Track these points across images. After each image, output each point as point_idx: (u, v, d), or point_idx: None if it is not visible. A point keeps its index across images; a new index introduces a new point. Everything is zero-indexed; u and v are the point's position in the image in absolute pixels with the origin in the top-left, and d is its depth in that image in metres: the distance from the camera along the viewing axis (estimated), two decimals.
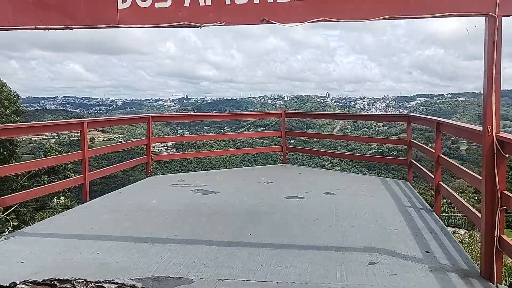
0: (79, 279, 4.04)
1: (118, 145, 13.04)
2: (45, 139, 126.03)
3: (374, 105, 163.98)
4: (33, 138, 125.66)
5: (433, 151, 6.67)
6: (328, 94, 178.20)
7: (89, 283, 4.00)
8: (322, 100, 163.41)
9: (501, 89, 4.13)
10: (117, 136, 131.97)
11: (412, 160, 8.31)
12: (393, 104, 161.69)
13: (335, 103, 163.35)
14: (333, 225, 5.62)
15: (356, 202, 6.74)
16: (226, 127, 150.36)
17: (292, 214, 6.09)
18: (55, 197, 19.88)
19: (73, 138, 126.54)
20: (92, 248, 4.79)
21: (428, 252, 4.65)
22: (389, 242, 4.95)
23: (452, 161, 6.24)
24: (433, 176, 6.59)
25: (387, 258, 4.46)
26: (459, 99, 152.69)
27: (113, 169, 8.55)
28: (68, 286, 4.05)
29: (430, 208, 6.47)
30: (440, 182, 6.43)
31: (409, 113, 8.12)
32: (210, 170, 11.81)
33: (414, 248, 4.75)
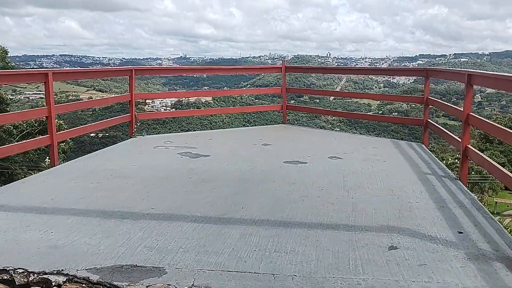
0: (19, 268, 3.15)
1: (94, 101, 11.79)
2: (42, 98, 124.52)
3: (376, 65, 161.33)
4: (30, 98, 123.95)
5: (461, 109, 5.66)
6: (329, 54, 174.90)
7: (31, 274, 3.10)
8: (323, 60, 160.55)
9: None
10: (114, 95, 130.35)
11: (429, 120, 7.33)
12: (395, 64, 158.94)
13: (336, 63, 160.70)
14: (341, 196, 4.69)
15: (367, 169, 5.81)
16: (225, 87, 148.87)
17: (293, 183, 5.16)
18: (47, 157, 19.09)
19: (71, 98, 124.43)
20: (46, 225, 3.88)
21: (461, 232, 3.74)
22: (411, 219, 4.03)
23: (487, 120, 5.21)
24: (459, 139, 5.63)
25: (411, 240, 3.55)
26: (462, 59, 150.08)
27: (89, 128, 7.49)
28: (5, 277, 3.16)
29: (454, 176, 5.54)
30: (469, 146, 5.46)
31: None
32: (207, 130, 10.74)
33: (443, 227, 3.84)
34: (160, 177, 5.43)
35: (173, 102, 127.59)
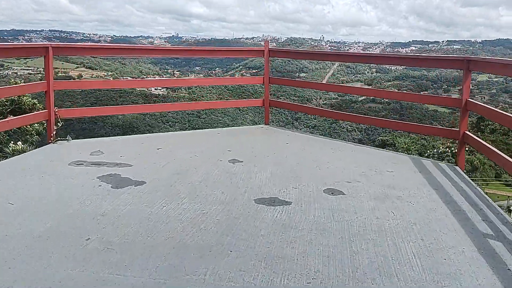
0: None
1: None
2: (30, 73, 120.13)
3: (369, 50, 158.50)
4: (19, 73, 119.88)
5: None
6: (323, 37, 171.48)
7: None
8: (316, 43, 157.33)
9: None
10: (105, 73, 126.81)
11: (468, 132, 5.05)
12: (387, 49, 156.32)
13: (329, 47, 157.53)
14: None
15: (386, 219, 3.55)
16: (218, 68, 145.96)
17: (263, 257, 2.88)
18: (11, 141, 16.63)
19: (60, 75, 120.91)
20: None
21: None
22: None
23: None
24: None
25: None
26: (455, 47, 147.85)
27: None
28: None
29: None
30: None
31: (467, 55, 4.81)
32: (163, 132, 7.66)
33: None
34: (38, 235, 3.12)
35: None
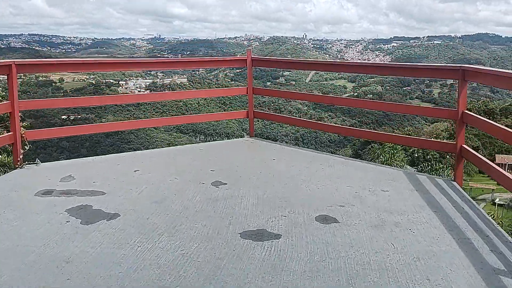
0: None
1: None
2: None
3: (352, 47, 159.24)
4: None
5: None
6: (305, 35, 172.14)
7: None
8: (299, 42, 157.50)
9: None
10: (87, 76, 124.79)
11: (465, 146, 4.73)
12: (370, 46, 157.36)
13: (312, 45, 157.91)
14: None
15: (386, 255, 3.18)
16: (201, 69, 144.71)
17: None
18: None
19: (41, 79, 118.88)
20: None
21: None
22: None
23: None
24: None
25: None
26: (435, 42, 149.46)
27: None
28: None
29: None
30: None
31: (463, 65, 4.48)
32: (142, 150, 6.78)
33: None
34: None
35: (148, 83, 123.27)
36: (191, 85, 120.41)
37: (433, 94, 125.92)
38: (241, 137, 7.29)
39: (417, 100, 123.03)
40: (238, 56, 5.90)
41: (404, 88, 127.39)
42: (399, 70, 5.50)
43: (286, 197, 4.20)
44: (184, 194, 4.24)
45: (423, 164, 24.79)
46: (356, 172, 4.97)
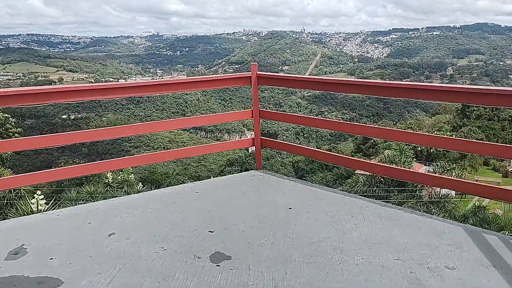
0: None
1: None
2: (10, 79, 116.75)
3: (350, 40, 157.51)
4: None
5: None
6: (304, 29, 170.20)
7: None
8: (297, 36, 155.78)
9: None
10: (86, 76, 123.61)
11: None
12: (369, 39, 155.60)
13: (311, 39, 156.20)
14: None
15: None
16: (200, 65, 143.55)
17: None
18: None
19: (40, 79, 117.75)
20: None
21: None
22: None
23: None
24: None
25: None
26: (434, 33, 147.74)
27: None
28: None
29: None
30: None
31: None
32: (122, 196, 4.98)
33: None
34: None
35: (151, 78, 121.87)
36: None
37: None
38: (246, 170, 6.06)
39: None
40: (240, 73, 4.48)
41: (404, 80, 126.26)
42: (406, 91, 4.01)
43: (314, 284, 2.96)
44: (172, 280, 3.01)
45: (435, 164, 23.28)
46: (402, 231, 3.72)
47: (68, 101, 4.12)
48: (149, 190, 6.38)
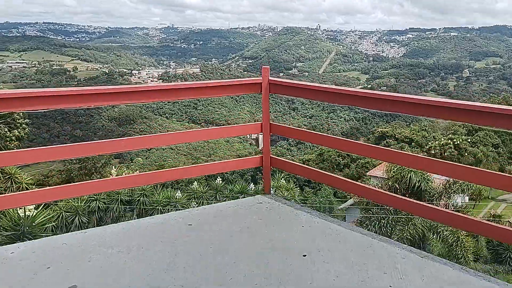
0: None
1: None
2: (25, 67, 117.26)
3: (366, 38, 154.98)
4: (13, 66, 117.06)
5: None
6: (319, 26, 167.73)
7: None
8: (312, 33, 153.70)
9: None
10: (100, 65, 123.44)
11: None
12: (384, 38, 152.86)
13: (326, 36, 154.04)
14: None
15: None
16: (214, 59, 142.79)
17: None
18: None
19: (55, 67, 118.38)
20: None
21: None
22: None
23: None
24: None
25: None
26: (451, 34, 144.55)
27: None
28: None
29: None
30: None
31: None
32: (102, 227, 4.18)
33: None
34: None
35: (160, 73, 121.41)
36: (204, 75, 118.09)
37: (449, 87, 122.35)
38: (252, 195, 5.15)
39: (432, 93, 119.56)
40: (248, 79, 3.47)
41: (419, 81, 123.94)
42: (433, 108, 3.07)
43: None
44: None
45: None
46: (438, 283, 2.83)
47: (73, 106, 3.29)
48: (131, 220, 5.50)
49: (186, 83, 4.02)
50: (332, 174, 4.18)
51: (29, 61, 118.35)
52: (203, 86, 4.12)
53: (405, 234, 11.57)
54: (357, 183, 4.16)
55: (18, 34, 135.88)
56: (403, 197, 3.78)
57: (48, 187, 4.11)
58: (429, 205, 3.64)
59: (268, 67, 4.08)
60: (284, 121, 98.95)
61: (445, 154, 48.91)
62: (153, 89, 4.04)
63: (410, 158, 3.76)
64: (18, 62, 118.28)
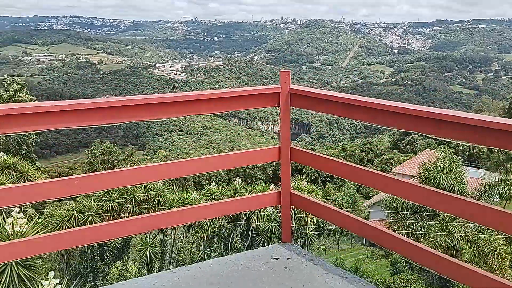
0: None
1: None
2: (52, 60, 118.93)
3: (391, 31, 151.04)
4: (40, 60, 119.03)
5: None
6: (343, 18, 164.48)
7: None
8: (336, 25, 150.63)
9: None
10: (125, 58, 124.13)
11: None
12: (410, 30, 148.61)
13: (350, 29, 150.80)
14: None
15: None
16: (236, 52, 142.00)
17: None
18: None
19: (81, 60, 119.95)
20: None
21: None
22: None
23: None
24: None
25: None
26: (480, 26, 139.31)
27: None
28: None
29: None
30: None
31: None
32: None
33: None
34: None
35: (184, 66, 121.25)
36: (227, 69, 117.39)
37: (476, 81, 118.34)
38: (268, 244, 4.19)
39: (459, 86, 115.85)
40: (261, 87, 2.52)
41: (445, 74, 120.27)
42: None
43: None
44: None
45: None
46: None
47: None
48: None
49: (186, 94, 2.98)
50: (365, 221, 3.30)
51: (56, 54, 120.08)
52: (207, 98, 3.06)
53: (439, 242, 10.66)
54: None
55: (46, 28, 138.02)
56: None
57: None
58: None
59: (289, 71, 3.09)
60: (306, 114, 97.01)
61: (474, 150, 46.96)
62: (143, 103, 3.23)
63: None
64: (46, 55, 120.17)
